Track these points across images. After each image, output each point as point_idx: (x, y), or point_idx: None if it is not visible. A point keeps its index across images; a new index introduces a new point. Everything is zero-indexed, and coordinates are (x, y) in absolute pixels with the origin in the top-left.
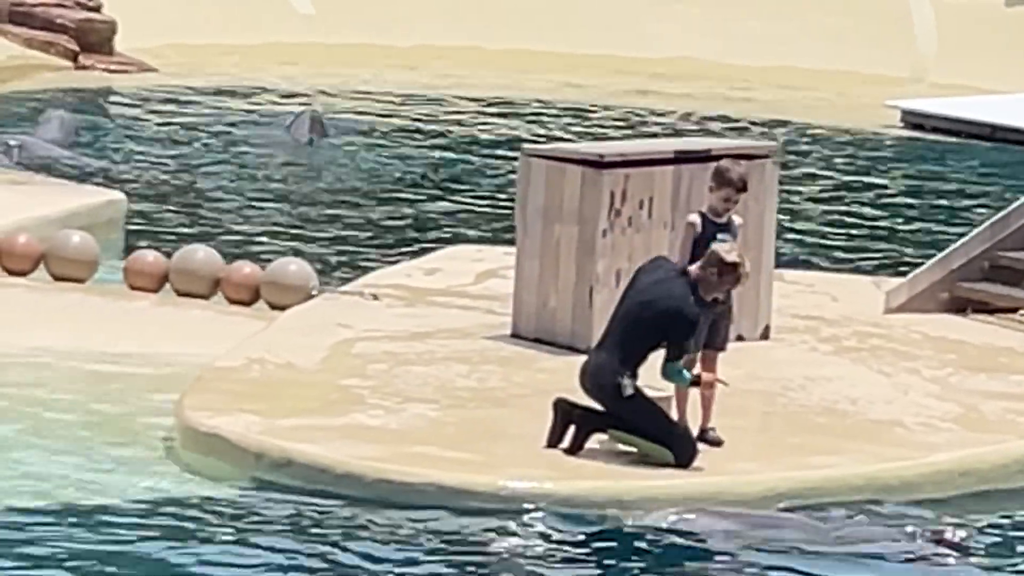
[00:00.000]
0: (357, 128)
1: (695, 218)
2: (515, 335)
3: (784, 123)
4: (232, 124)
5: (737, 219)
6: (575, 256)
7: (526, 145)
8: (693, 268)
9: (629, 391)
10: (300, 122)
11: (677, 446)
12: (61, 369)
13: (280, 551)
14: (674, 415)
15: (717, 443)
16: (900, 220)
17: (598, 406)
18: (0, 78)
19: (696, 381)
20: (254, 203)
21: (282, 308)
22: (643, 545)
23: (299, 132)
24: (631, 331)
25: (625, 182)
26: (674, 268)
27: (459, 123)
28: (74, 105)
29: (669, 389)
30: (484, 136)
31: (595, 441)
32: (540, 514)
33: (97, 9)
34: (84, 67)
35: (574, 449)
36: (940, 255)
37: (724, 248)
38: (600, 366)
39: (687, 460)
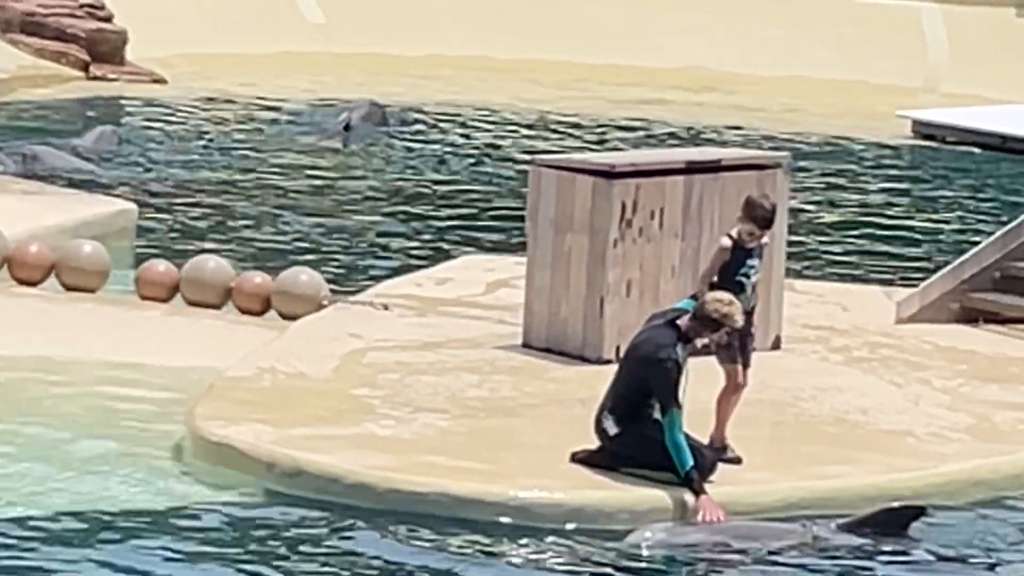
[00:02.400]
0: (413, 119)
1: (727, 242)
2: (526, 345)
3: (795, 132)
4: (241, 132)
5: (764, 237)
6: (586, 266)
7: (537, 155)
8: (684, 319)
9: (613, 430)
10: (360, 110)
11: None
12: (71, 379)
13: (290, 561)
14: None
15: (737, 461)
16: (911, 230)
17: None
18: (12, 88)
19: (691, 485)
20: (265, 213)
21: (293, 318)
22: (653, 555)
23: (360, 120)
24: (619, 374)
25: (636, 192)
26: (668, 316)
27: (469, 132)
28: (111, 118)
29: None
30: (495, 145)
31: None
32: (551, 524)
33: (108, 19)
34: (95, 77)
35: (577, 458)
36: (951, 265)
37: (710, 299)
38: (597, 411)
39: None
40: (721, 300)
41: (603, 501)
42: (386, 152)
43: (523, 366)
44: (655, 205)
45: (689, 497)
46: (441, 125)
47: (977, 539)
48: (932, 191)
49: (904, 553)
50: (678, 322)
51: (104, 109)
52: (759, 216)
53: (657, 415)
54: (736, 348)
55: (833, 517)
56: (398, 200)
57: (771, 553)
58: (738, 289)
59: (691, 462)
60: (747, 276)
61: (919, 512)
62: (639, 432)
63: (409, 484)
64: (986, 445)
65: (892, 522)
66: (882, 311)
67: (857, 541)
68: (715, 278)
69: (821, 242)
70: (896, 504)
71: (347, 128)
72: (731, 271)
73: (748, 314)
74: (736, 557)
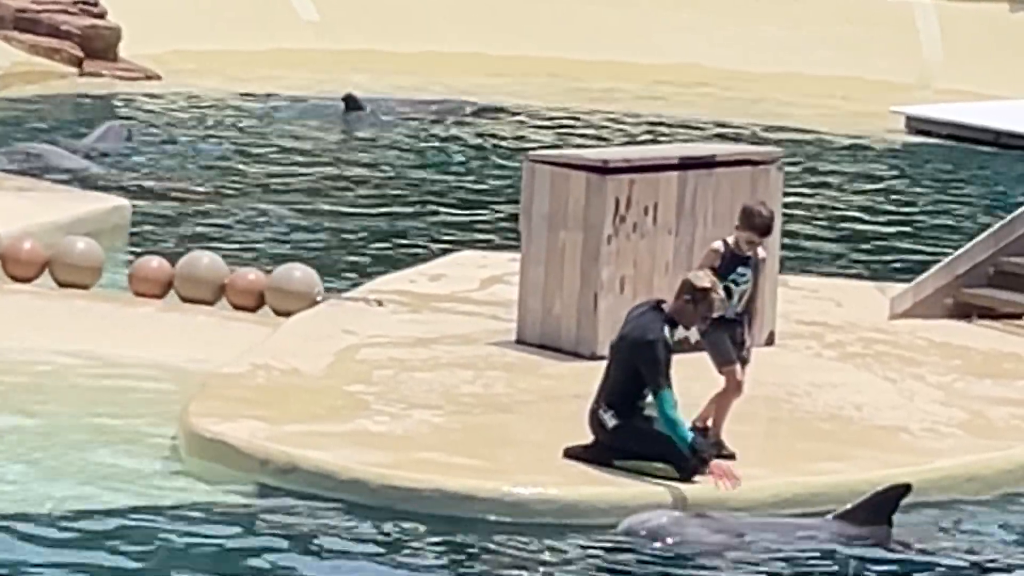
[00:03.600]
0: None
1: (719, 246)
2: (520, 341)
3: (790, 129)
4: (234, 129)
5: (761, 252)
6: (580, 262)
7: (531, 151)
8: (669, 301)
9: (612, 423)
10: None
11: (678, 460)
12: (65, 375)
13: (284, 558)
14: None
15: (730, 457)
16: (905, 226)
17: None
18: (5, 84)
19: (698, 455)
20: (258, 209)
21: (287, 314)
22: (647, 551)
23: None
24: (610, 366)
25: (630, 188)
26: (652, 302)
27: (465, 128)
28: (105, 115)
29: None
30: (489, 142)
31: None
32: (545, 520)
33: (102, 16)
34: (89, 74)
35: (570, 454)
36: (945, 261)
37: (696, 275)
38: (592, 405)
39: (690, 473)
40: (700, 276)
41: (597, 497)
42: (381, 148)
43: (517, 362)
44: (649, 201)
45: (685, 489)
46: (434, 121)
47: (971, 534)
48: (926, 187)
49: (898, 548)
50: (663, 306)
51: (98, 106)
52: (758, 224)
53: (650, 410)
54: (731, 349)
55: (827, 513)
56: (392, 196)
57: (766, 545)
58: (724, 295)
59: (690, 434)
60: (735, 283)
61: (905, 490)
62: (637, 424)
63: (403, 480)
64: (980, 441)
65: (882, 505)
66: (876, 307)
67: (850, 534)
68: None
69: (815, 238)
70: (881, 487)
71: (348, 105)
72: (720, 276)
73: (733, 322)
74: (733, 550)
